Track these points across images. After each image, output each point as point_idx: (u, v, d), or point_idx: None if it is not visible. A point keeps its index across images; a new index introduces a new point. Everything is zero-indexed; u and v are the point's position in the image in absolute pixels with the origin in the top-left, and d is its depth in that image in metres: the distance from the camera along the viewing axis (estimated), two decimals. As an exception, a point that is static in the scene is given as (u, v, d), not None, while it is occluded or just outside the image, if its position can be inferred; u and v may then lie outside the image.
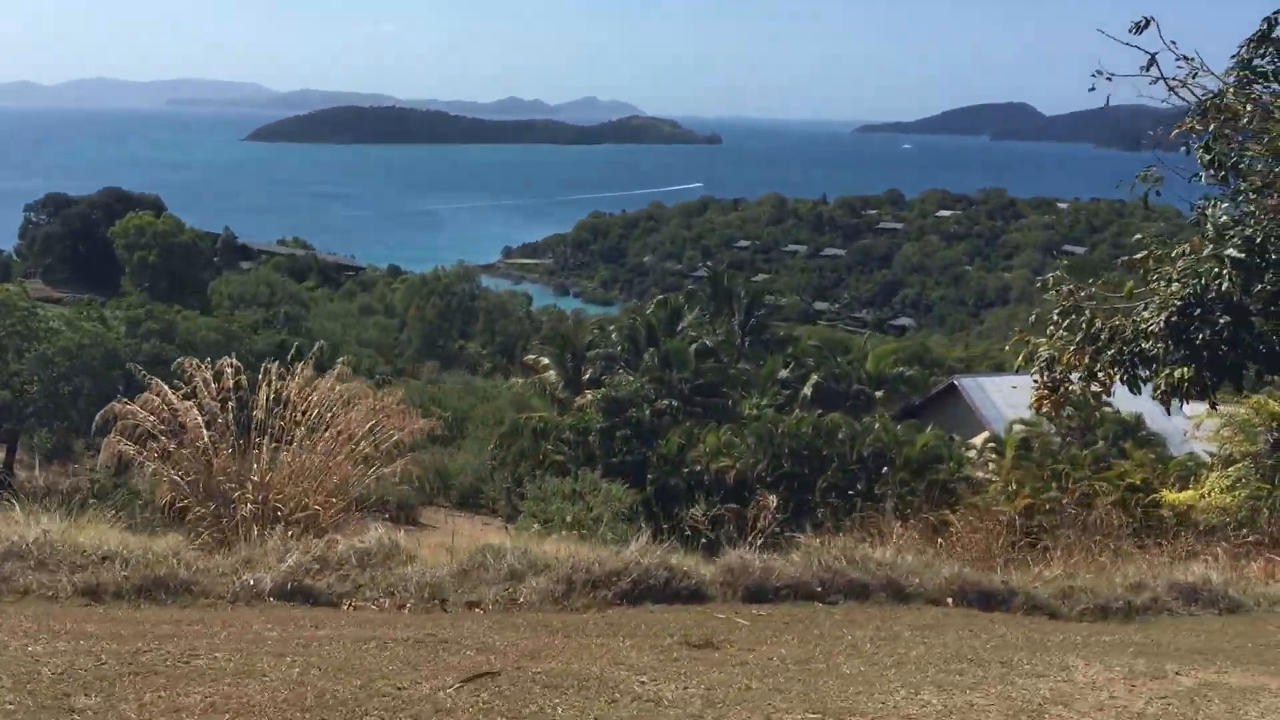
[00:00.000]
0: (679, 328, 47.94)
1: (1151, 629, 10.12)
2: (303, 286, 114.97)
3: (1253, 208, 10.77)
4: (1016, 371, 12.44)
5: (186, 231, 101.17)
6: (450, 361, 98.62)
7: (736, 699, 7.09)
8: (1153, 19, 10.89)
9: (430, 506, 57.80)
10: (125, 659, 7.19)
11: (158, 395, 12.40)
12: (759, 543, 11.06)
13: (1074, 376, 11.59)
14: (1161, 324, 10.74)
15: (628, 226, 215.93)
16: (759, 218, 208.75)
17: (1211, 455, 28.11)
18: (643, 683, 7.29)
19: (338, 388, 12.70)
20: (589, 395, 43.73)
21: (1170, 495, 30.04)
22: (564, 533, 28.10)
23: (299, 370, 12.76)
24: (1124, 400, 35.08)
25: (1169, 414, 13.09)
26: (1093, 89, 10.96)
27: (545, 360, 50.64)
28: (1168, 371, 10.83)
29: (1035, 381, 12.02)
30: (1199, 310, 10.65)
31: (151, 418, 12.21)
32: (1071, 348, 11.38)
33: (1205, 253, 10.66)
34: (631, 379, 42.91)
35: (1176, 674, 8.24)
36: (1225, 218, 10.77)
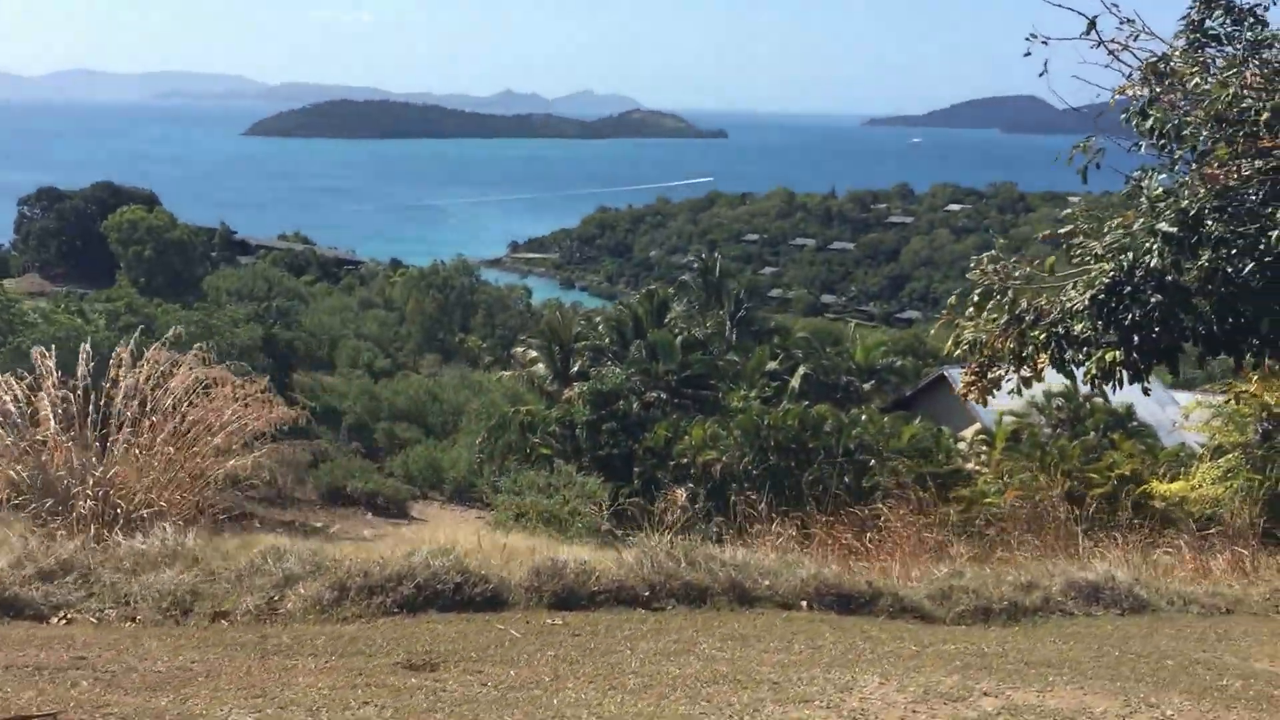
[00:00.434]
0: (667, 319, 47.54)
1: (1022, 634, 9.28)
2: (301, 281, 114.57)
3: (1189, 178, 10.27)
4: (948, 357, 11.84)
5: (180, 226, 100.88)
6: (450, 355, 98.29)
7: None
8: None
9: (424, 500, 57.67)
10: None
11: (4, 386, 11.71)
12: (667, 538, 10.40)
13: (1002, 361, 11.14)
14: (1087, 303, 10.29)
15: (634, 221, 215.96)
16: (767, 211, 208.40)
17: (1202, 446, 27.75)
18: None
19: (192, 377, 11.79)
20: (575, 388, 43.39)
21: (1160, 486, 29.61)
22: (536, 526, 27.83)
23: (150, 357, 12.05)
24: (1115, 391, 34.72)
25: (1108, 400, 12.61)
26: (1028, 54, 10.48)
27: (533, 353, 50.29)
28: (1099, 355, 10.39)
29: (962, 368, 11.56)
30: (1128, 289, 10.18)
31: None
32: (996, 330, 10.91)
33: (1135, 226, 10.18)
34: (617, 371, 42.51)
35: (985, 694, 7.39)
36: (1160, 189, 10.28)
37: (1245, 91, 9.80)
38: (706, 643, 8.30)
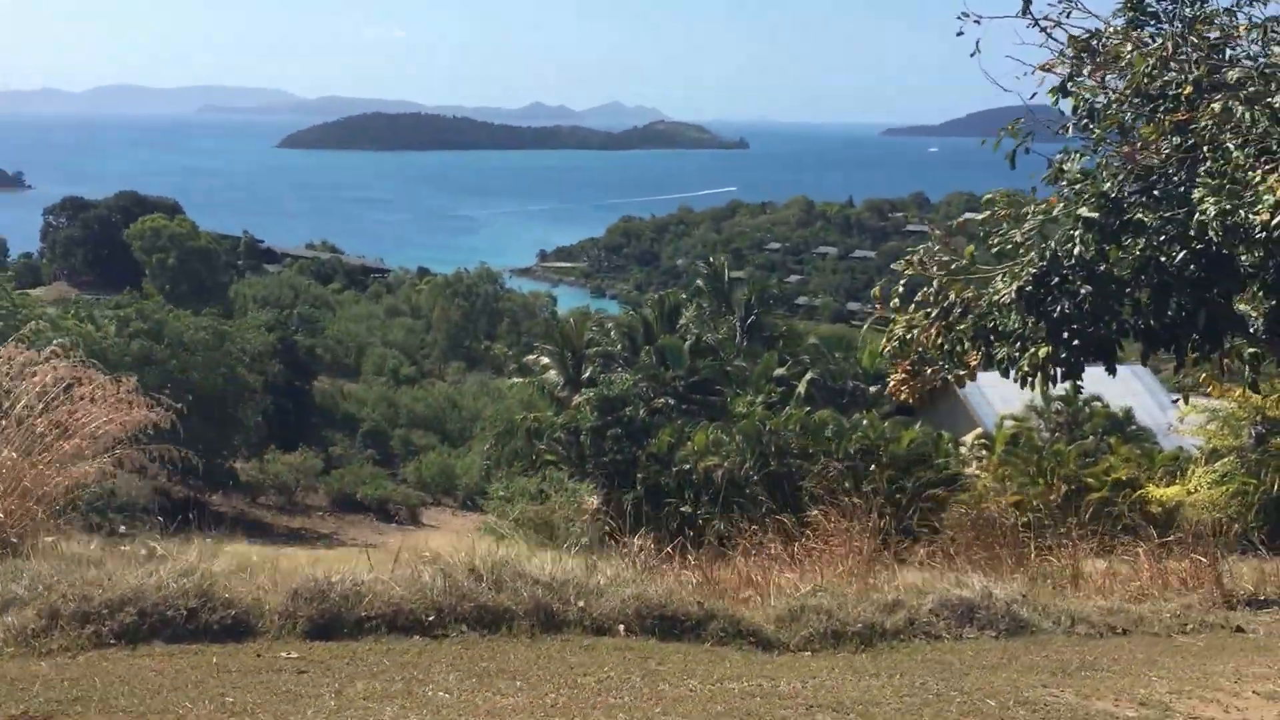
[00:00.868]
0: (679, 325, 47.59)
1: (864, 662, 8.23)
2: (328, 289, 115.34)
3: (1108, 159, 10.13)
4: (883, 354, 11.65)
5: (202, 234, 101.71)
6: (475, 362, 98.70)
7: None
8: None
9: (438, 507, 57.98)
10: None
11: None
12: (575, 549, 9.96)
13: (930, 357, 11.00)
14: (1014, 295, 10.15)
15: (659, 230, 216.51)
16: (787, 220, 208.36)
17: (1199, 450, 27.56)
18: None
19: (49, 377, 10.53)
20: (582, 394, 43.50)
21: (1156, 491, 29.48)
22: (523, 533, 27.99)
23: (3, 354, 10.73)
24: (1113, 394, 34.55)
25: (1043, 396, 12.22)
26: (960, 34, 10.41)
27: (545, 360, 50.45)
28: (1032, 351, 10.25)
29: (894, 364, 11.44)
30: (1056, 280, 10.03)
31: None
32: (924, 323, 10.79)
33: (1056, 211, 10.04)
34: (624, 377, 42.57)
35: None
36: (1079, 171, 10.12)
37: (1170, 64, 9.68)
38: (444, 680, 7.27)
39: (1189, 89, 9.44)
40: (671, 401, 44.55)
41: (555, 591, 8.62)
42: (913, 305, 11.02)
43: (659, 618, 8.55)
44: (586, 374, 46.69)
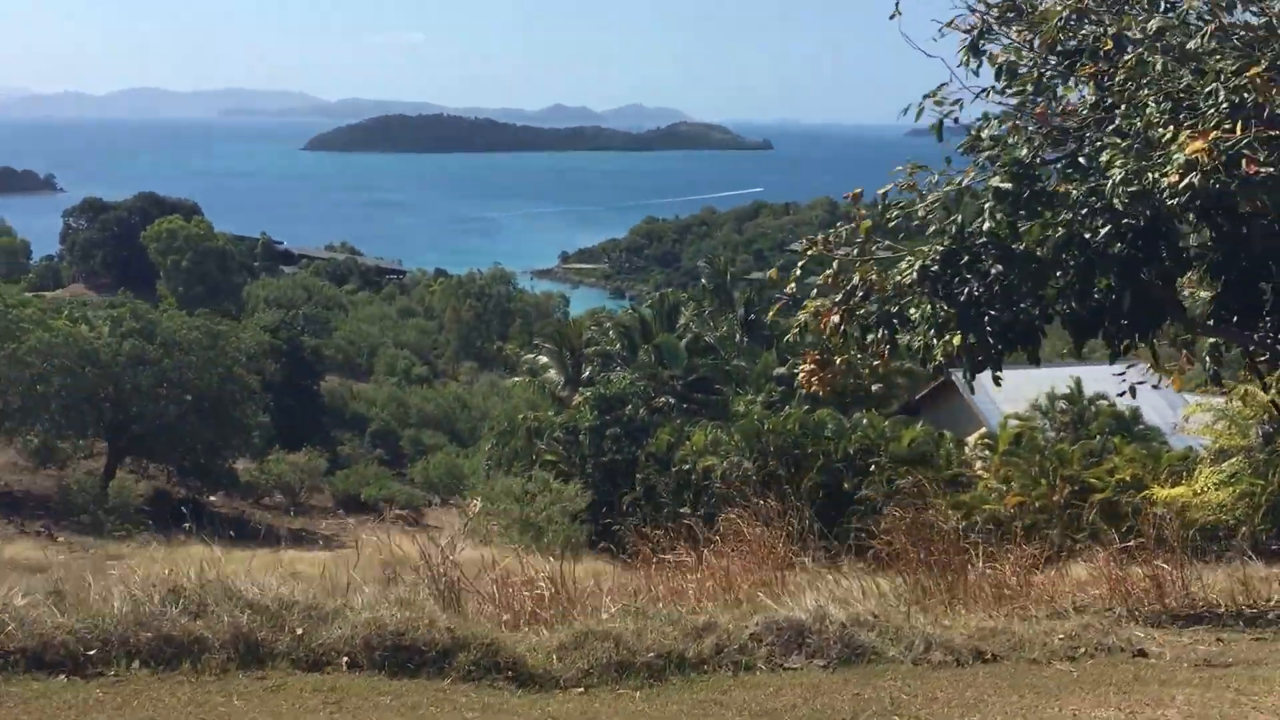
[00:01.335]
0: (679, 324, 46.90)
1: (637, 704, 7.05)
2: (343, 290, 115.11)
3: (1024, 122, 9.31)
4: (788, 342, 10.76)
5: (218, 236, 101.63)
6: (488, 362, 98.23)
7: None
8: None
9: (445, 507, 57.38)
10: None
11: None
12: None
13: (844, 348, 10.20)
14: (916, 274, 9.35)
15: (681, 231, 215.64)
16: (811, 221, 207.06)
17: (1206, 449, 26.73)
18: None
19: None
20: (581, 393, 42.96)
21: (1161, 492, 28.59)
22: (509, 535, 27.40)
23: None
24: (1118, 393, 33.66)
25: (971, 387, 11.34)
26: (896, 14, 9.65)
27: (544, 359, 49.85)
28: (946, 339, 9.47)
29: (803, 354, 10.66)
30: (965, 258, 9.21)
31: None
32: (829, 308, 9.98)
33: (967, 181, 9.24)
34: (623, 376, 41.97)
35: None
36: (989, 139, 9.29)
37: (1087, 16, 8.89)
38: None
39: (1109, 43, 8.63)
40: (672, 401, 43.93)
41: (272, 617, 7.32)
42: (814, 290, 10.26)
43: (394, 648, 7.27)
44: (586, 373, 46.06)
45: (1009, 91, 9.35)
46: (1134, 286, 9.07)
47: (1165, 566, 10.23)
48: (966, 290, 9.14)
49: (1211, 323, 9.50)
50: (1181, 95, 8.11)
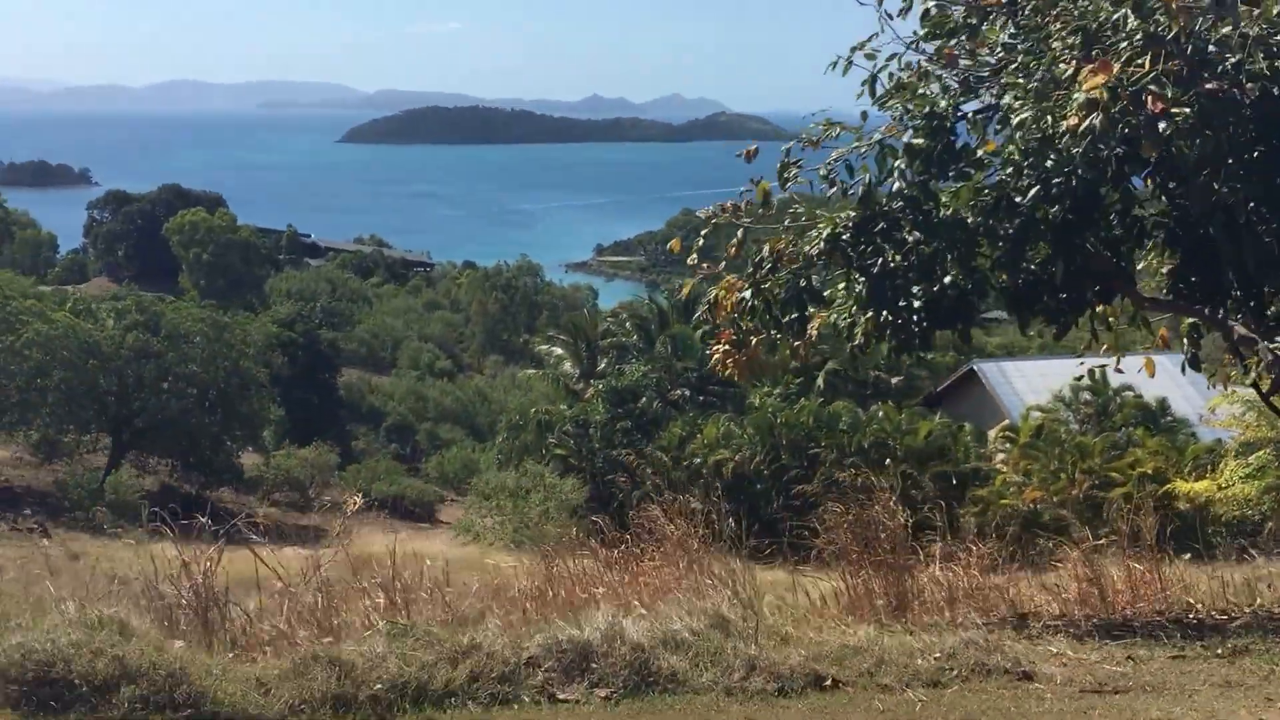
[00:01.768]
0: (696, 315, 45.57)
1: None
2: (368, 283, 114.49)
3: (936, 67, 8.11)
4: (699, 321, 9.54)
5: (241, 229, 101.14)
6: (514, 355, 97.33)
7: None
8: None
9: (459, 503, 56.51)
10: None
11: None
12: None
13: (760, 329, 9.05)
14: (824, 244, 8.24)
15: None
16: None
17: (1234, 441, 25.50)
18: None
19: None
20: (593, 385, 41.93)
21: (1184, 485, 27.25)
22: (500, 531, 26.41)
23: None
24: (1146, 383, 32.22)
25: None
26: None
27: (559, 351, 48.75)
28: (869, 315, 8.34)
29: (717, 334, 9.56)
30: (880, 225, 8.08)
31: None
32: (739, 283, 8.86)
33: (881, 138, 8.12)
34: (636, 369, 40.85)
35: None
36: (907, 91, 8.12)
37: None
38: None
39: None
40: (688, 393, 42.74)
41: None
42: (721, 264, 9.15)
43: (35, 682, 6.01)
44: (601, 366, 44.90)
45: (929, 36, 8.18)
46: (1071, 256, 7.92)
47: (1139, 567, 9.16)
48: (881, 261, 7.99)
49: (1172, 298, 8.31)
50: (1096, 29, 6.90)
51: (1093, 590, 9.03)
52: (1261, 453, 23.89)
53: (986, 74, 7.75)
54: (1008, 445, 32.23)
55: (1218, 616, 8.64)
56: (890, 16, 8.20)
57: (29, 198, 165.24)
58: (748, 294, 8.66)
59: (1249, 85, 6.74)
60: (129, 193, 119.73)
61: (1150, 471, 26.96)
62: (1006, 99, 7.37)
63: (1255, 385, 8.72)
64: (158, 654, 6.33)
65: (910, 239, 7.91)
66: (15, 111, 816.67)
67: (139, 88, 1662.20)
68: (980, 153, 7.87)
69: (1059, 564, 9.84)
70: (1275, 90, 6.78)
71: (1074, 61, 6.81)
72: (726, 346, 9.25)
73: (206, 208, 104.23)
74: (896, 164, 7.86)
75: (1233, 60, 6.76)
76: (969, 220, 7.75)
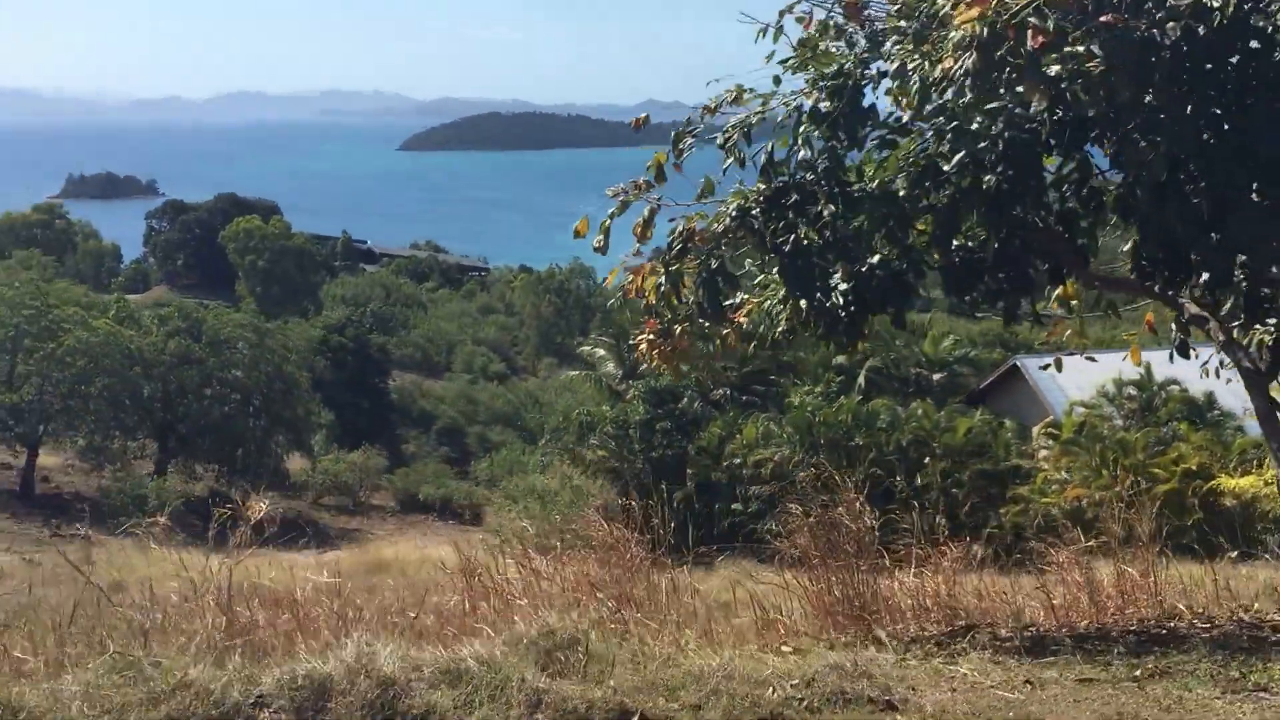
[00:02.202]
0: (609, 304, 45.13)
1: None
2: (423, 288, 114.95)
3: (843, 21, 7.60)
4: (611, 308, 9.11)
5: (296, 236, 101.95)
6: (567, 358, 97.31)
7: None
8: None
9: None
10: None
11: None
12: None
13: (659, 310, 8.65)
14: (733, 217, 7.83)
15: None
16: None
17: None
18: None
19: None
20: (631, 385, 41.68)
21: (1229, 481, 26.54)
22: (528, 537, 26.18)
23: None
24: (1194, 377, 31.49)
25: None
26: None
27: (601, 351, 48.55)
28: (792, 303, 7.94)
29: (644, 322, 9.14)
30: (795, 198, 7.66)
31: None
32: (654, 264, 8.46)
33: (785, 100, 7.65)
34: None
35: None
36: (821, 46, 7.65)
37: None
38: None
39: None
40: (729, 392, 42.43)
41: None
42: (635, 246, 8.75)
43: None
44: (643, 366, 44.65)
45: None
46: (1009, 231, 7.39)
47: (1133, 571, 8.65)
48: (794, 238, 7.54)
49: (1136, 277, 7.80)
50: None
51: (1080, 596, 8.61)
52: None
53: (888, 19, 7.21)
54: (1050, 442, 31.61)
55: (1199, 626, 8.16)
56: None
57: (97, 209, 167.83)
58: (662, 278, 8.29)
59: (1169, 25, 6.16)
60: (185, 202, 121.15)
61: (1194, 467, 26.30)
62: (887, 46, 6.96)
63: (1244, 370, 8.22)
64: None
65: (826, 213, 7.47)
66: (85, 124, 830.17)
67: (201, 100, 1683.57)
68: (905, 117, 7.46)
69: (1047, 568, 9.38)
70: (1201, 30, 6.17)
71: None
72: (651, 336, 8.87)
73: (261, 215, 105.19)
74: (802, 130, 7.44)
75: None
76: (900, 192, 7.29)
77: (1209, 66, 6.32)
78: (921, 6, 6.74)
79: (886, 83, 7.21)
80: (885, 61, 7.01)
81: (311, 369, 46.87)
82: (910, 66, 6.63)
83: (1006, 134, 6.77)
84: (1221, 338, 8.03)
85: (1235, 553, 15.66)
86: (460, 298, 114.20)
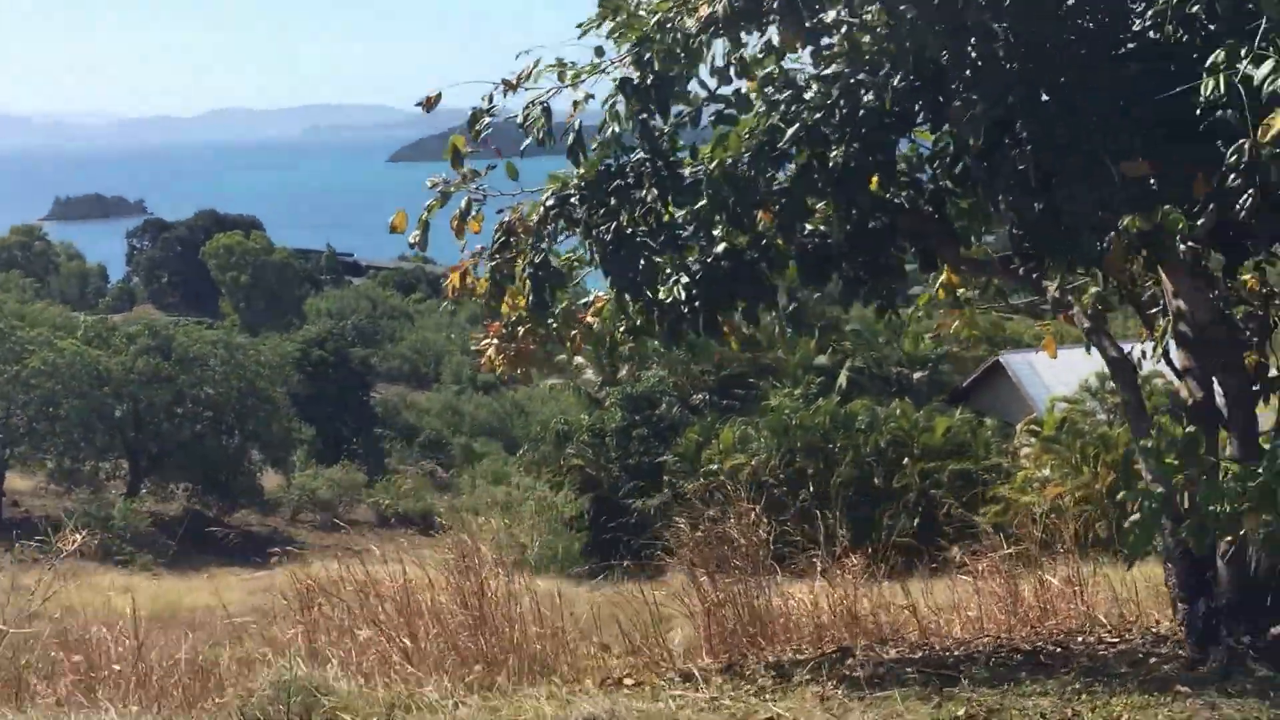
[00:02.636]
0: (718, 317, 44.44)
1: None
2: (409, 299, 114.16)
3: None
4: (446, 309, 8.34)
5: (277, 250, 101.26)
6: (557, 366, 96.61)
7: None
8: None
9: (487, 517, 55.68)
10: None
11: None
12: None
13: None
14: (549, 203, 7.11)
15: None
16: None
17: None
18: None
19: None
20: (608, 392, 40.99)
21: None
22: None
23: None
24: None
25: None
26: None
27: (579, 359, 47.80)
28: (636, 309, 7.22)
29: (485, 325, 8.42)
30: (616, 183, 6.92)
31: None
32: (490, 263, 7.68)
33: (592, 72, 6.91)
34: (651, 374, 39.89)
35: None
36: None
37: None
38: None
39: None
40: (708, 398, 41.77)
41: None
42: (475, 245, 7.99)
43: None
44: (623, 372, 43.86)
45: None
46: (861, 212, 6.69)
47: (1054, 580, 8.12)
48: (614, 226, 6.78)
49: (1016, 264, 7.06)
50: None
51: (997, 608, 7.95)
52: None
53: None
54: (1032, 439, 30.92)
55: (1108, 640, 7.52)
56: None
57: (87, 229, 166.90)
58: (485, 274, 7.56)
59: None
60: (166, 220, 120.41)
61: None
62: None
63: (1109, 359, 7.47)
64: None
65: (650, 198, 6.72)
66: (70, 148, 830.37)
67: (189, 118, 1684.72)
68: (744, 88, 6.74)
69: (965, 575, 8.70)
70: None
71: None
72: (495, 339, 8.12)
73: (243, 231, 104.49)
74: (607, 104, 6.70)
75: None
76: (744, 174, 6.51)
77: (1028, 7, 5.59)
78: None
79: (722, 47, 6.50)
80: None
81: (287, 384, 46.15)
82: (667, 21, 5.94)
83: (843, 103, 6.07)
84: (1087, 324, 7.36)
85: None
86: (449, 308, 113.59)
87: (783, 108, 6.25)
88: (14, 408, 36.61)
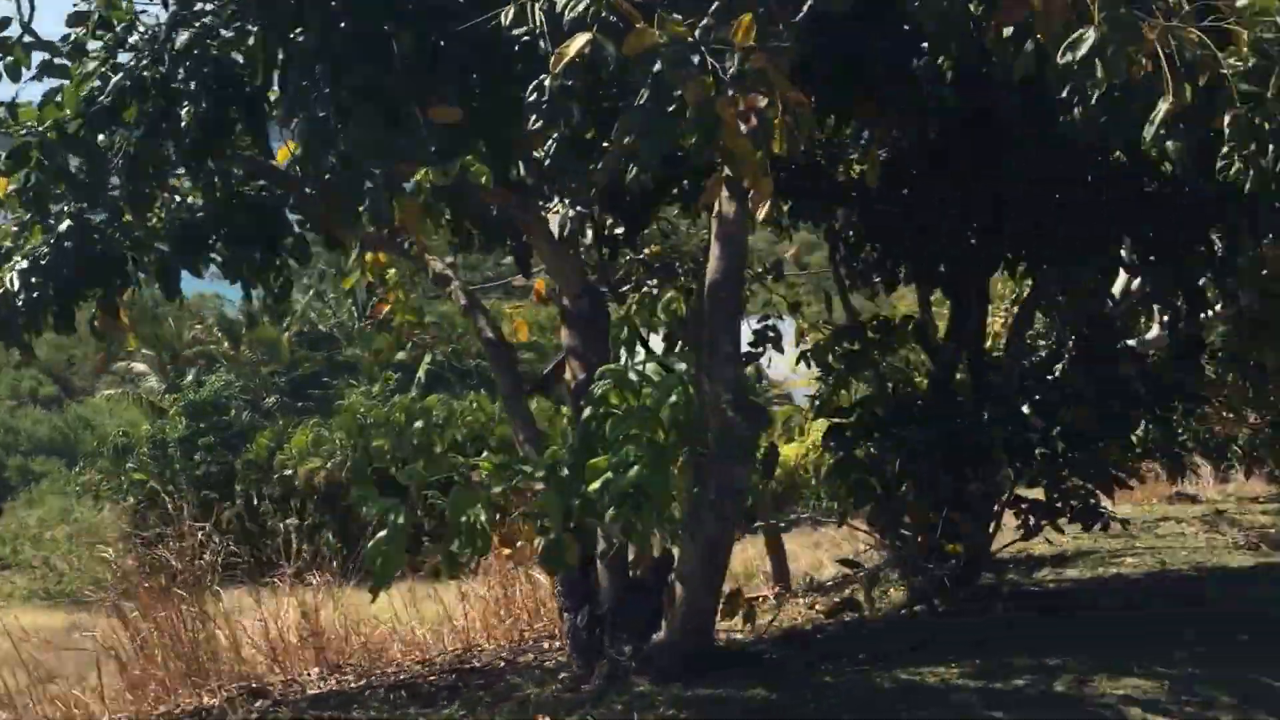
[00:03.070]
0: (294, 313, 42.32)
1: None
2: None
3: None
4: None
5: None
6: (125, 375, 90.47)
7: None
8: None
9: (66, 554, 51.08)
10: None
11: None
12: None
13: None
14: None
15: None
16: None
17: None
18: None
19: None
20: (166, 400, 38.29)
21: (789, 450, 26.59)
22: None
23: None
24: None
25: None
26: None
27: (141, 366, 44.39)
28: None
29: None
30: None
31: None
32: None
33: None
34: (216, 379, 37.56)
35: None
36: None
37: None
38: None
39: None
40: (284, 400, 39.85)
41: None
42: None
43: None
44: (189, 378, 41.00)
45: None
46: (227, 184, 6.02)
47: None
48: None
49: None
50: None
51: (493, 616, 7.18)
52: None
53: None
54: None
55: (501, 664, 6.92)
56: None
57: None
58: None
59: None
60: None
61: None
62: None
63: (486, 341, 6.89)
64: None
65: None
66: None
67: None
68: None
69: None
70: None
71: None
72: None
73: None
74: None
75: None
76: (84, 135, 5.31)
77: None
78: None
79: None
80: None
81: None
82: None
83: (195, 50, 5.07)
84: (464, 300, 6.76)
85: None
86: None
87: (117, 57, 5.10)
88: None
